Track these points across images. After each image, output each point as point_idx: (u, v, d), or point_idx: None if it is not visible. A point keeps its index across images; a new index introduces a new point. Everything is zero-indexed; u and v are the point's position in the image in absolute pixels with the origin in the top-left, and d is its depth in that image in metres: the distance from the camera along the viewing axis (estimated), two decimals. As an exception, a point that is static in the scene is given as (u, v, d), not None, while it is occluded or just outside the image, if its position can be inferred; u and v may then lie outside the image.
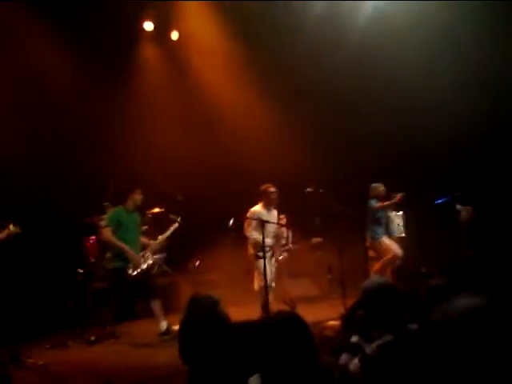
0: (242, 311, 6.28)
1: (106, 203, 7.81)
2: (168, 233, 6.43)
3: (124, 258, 5.98)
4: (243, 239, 6.62)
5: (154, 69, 9.34)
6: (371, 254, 7.86)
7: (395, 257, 7.39)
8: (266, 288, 5.85)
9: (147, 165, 8.22)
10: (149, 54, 9.39)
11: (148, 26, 9.02)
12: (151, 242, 6.41)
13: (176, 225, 6.44)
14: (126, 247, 5.98)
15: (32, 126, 7.51)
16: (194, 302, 2.04)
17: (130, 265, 5.97)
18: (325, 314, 6.12)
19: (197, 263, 8.22)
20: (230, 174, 8.82)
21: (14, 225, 5.38)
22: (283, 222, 7.73)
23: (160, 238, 6.43)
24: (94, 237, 7.54)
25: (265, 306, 6.01)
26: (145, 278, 6.07)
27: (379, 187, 7.55)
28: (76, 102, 8.16)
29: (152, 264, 6.31)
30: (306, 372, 2.06)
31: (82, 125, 8.18)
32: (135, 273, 5.94)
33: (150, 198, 6.87)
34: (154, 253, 6.38)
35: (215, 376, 1.86)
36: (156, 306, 6.01)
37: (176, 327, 5.78)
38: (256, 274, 6.40)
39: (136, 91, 8.86)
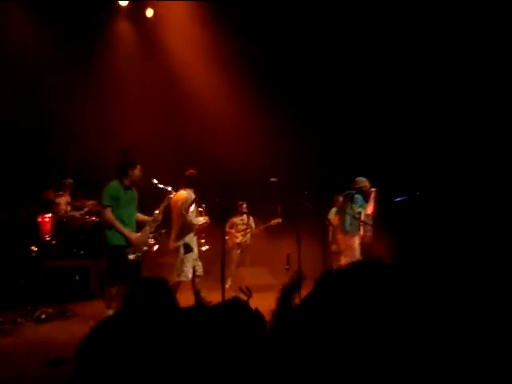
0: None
1: (67, 180, 7.65)
2: (164, 205, 5.95)
3: (126, 238, 5.61)
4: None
5: (127, 45, 9.20)
6: (334, 248, 7.87)
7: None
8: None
9: (113, 142, 8.06)
10: (123, 30, 9.22)
11: (123, 1, 8.90)
12: (147, 218, 5.95)
13: (171, 196, 6.01)
14: (127, 231, 5.60)
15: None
16: (142, 283, 1.99)
17: (130, 248, 5.58)
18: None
19: (155, 247, 8.14)
20: (195, 157, 8.76)
21: None
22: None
23: (157, 212, 5.95)
24: (49, 214, 7.39)
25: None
26: (141, 259, 5.73)
27: (364, 181, 7.22)
28: (46, 74, 7.95)
29: (153, 244, 5.91)
30: (255, 358, 2.06)
31: (48, 98, 7.99)
32: (134, 257, 5.58)
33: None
34: (154, 229, 5.92)
35: (159, 361, 1.83)
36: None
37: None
38: (182, 266, 6.20)
39: (108, 67, 8.70)
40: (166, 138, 8.59)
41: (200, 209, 6.50)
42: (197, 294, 6.26)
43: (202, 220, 6.44)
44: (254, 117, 8.84)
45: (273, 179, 6.53)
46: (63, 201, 7.62)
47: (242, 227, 8.77)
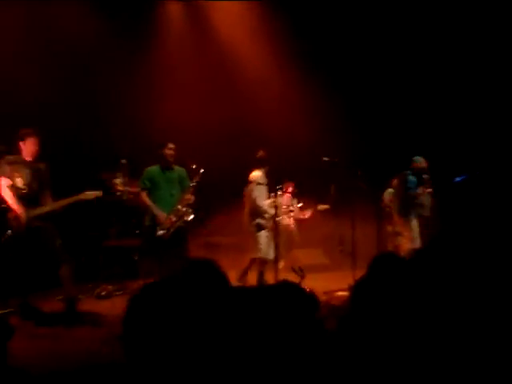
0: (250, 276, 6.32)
1: (122, 161, 7.78)
2: (194, 185, 6.03)
3: (154, 218, 5.93)
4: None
5: (177, 27, 9.18)
6: (390, 229, 7.70)
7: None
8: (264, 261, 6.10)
9: (164, 126, 8.15)
10: (173, 12, 9.21)
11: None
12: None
13: (200, 174, 6.02)
14: (154, 207, 5.90)
15: (53, 79, 7.48)
16: (192, 264, 1.99)
17: (159, 227, 5.84)
18: (334, 284, 6.14)
19: (208, 227, 8.26)
20: (246, 139, 8.75)
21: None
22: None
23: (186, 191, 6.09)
24: (107, 195, 7.56)
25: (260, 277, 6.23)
26: (178, 236, 5.92)
27: (420, 162, 6.98)
28: (96, 56, 8.08)
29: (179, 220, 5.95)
30: (308, 341, 2.04)
31: (99, 80, 8.11)
32: (161, 232, 5.83)
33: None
34: (183, 207, 6.00)
35: (210, 339, 1.82)
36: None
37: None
38: (257, 244, 6.38)
39: (158, 50, 8.75)
40: (215, 117, 8.58)
41: (279, 193, 6.47)
42: (260, 275, 6.35)
43: (272, 212, 6.39)
44: (307, 94, 8.70)
45: (325, 158, 6.45)
46: (119, 181, 7.75)
47: (286, 209, 8.58)
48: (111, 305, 5.89)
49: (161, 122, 8.11)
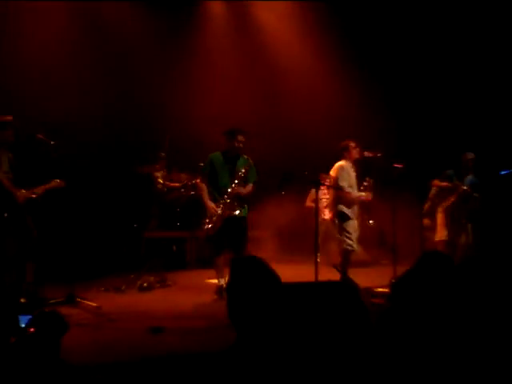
0: (291, 270, 6.28)
1: (160, 154, 7.85)
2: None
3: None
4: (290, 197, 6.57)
5: (220, 22, 9.20)
6: (426, 222, 7.53)
7: None
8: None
9: (205, 119, 8.18)
10: (216, 6, 9.22)
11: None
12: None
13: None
14: (206, 197, 5.76)
15: (96, 73, 7.72)
16: (238, 262, 1.98)
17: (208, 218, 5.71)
18: (374, 281, 6.04)
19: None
20: (287, 134, 8.69)
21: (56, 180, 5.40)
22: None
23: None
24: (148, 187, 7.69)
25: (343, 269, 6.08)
26: (233, 228, 5.66)
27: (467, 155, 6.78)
28: (141, 52, 8.26)
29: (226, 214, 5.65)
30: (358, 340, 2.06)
31: (141, 74, 8.27)
32: (208, 227, 5.65)
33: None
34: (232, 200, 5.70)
35: (264, 339, 1.83)
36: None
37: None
38: (342, 236, 6.21)
39: (200, 44, 8.81)
40: (258, 115, 8.56)
41: (365, 183, 6.34)
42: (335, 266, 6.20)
43: (362, 194, 6.30)
44: (349, 91, 8.59)
45: (366, 153, 6.34)
46: (160, 174, 7.85)
47: (326, 202, 8.35)
48: (153, 297, 6.00)
49: (199, 118, 8.17)
